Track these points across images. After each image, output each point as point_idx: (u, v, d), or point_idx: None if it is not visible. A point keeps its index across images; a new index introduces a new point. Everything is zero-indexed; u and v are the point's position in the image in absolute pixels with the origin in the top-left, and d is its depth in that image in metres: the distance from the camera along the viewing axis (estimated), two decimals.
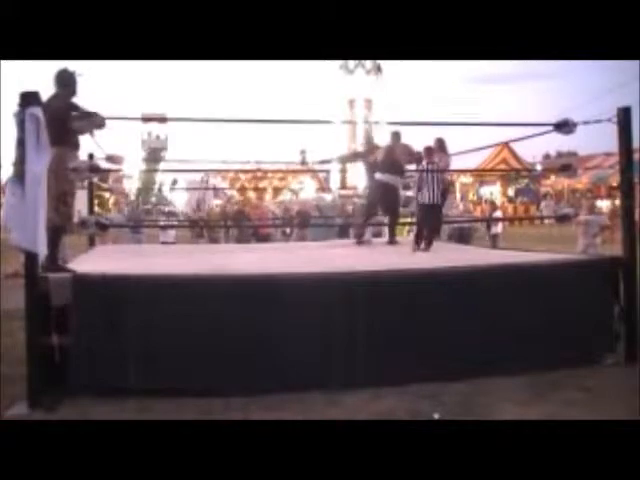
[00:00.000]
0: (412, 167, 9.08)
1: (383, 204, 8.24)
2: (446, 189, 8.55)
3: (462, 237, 11.53)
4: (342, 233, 12.39)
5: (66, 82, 4.89)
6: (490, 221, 14.16)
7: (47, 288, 4.23)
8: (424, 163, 7.48)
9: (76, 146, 4.91)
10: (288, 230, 14.86)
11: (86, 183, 8.11)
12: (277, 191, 34.59)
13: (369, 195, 8.59)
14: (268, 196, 33.04)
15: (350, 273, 4.93)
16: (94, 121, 4.79)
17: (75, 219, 5.37)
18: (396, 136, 8.15)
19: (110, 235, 10.00)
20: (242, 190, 32.60)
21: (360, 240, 8.33)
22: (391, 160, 7.90)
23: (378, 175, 8.07)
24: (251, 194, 32.36)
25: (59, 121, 4.49)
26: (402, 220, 9.04)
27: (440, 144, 8.05)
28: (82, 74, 4.91)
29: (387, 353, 4.49)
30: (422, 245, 7.25)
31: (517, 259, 6.00)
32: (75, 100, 4.92)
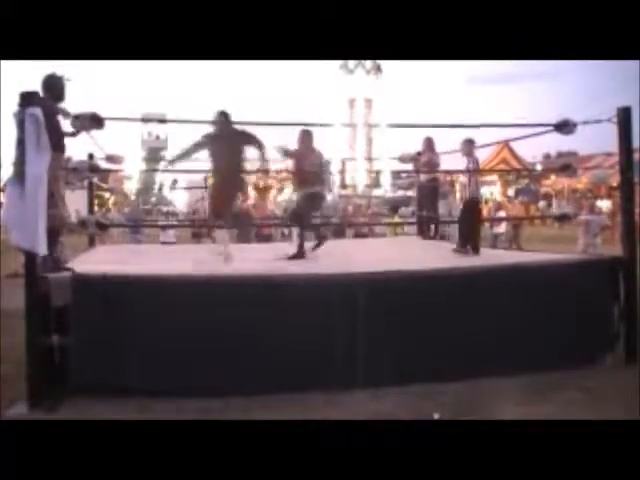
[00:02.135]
0: (409, 167, 9.08)
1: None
2: (435, 189, 8.44)
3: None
4: (340, 233, 12.42)
5: (53, 87, 4.82)
6: (494, 221, 14.19)
7: (47, 288, 4.23)
8: (465, 161, 6.59)
9: (62, 149, 4.85)
10: (286, 231, 14.85)
11: (86, 183, 8.11)
12: (278, 191, 34.53)
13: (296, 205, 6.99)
14: (265, 195, 32.98)
15: (350, 274, 4.93)
16: (93, 121, 4.77)
17: (73, 219, 5.35)
18: (306, 136, 6.59)
19: (109, 235, 10.00)
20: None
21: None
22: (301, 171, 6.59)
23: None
24: (252, 194, 32.29)
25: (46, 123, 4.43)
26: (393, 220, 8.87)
27: (429, 143, 8.04)
28: (70, 79, 4.85)
29: (387, 353, 4.49)
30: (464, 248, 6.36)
31: (517, 259, 6.00)
32: (62, 105, 4.87)
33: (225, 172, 6.03)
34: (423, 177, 8.29)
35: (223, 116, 6.09)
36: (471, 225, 6.57)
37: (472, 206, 6.60)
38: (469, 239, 6.41)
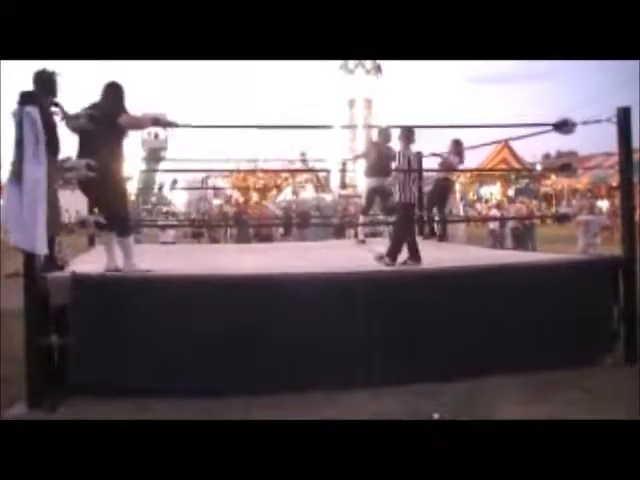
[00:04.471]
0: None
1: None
2: (447, 188, 8.56)
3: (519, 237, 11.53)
4: (340, 233, 12.43)
5: (45, 83, 4.79)
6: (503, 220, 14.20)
7: (46, 288, 4.23)
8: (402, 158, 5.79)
9: (57, 149, 4.82)
10: (282, 230, 14.87)
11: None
12: (277, 191, 34.54)
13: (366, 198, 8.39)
14: (265, 195, 33.01)
15: (350, 273, 4.93)
16: (90, 121, 4.75)
17: (73, 219, 5.33)
18: (384, 135, 7.86)
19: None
20: (243, 190, 32.56)
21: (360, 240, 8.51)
22: (379, 162, 7.59)
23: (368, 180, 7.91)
24: (252, 194, 32.31)
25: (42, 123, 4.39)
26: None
27: (456, 145, 8.10)
28: (60, 73, 4.80)
29: (387, 353, 4.49)
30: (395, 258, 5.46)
31: (517, 259, 6.00)
32: (59, 104, 4.84)
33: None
34: (437, 176, 8.37)
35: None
36: (408, 232, 5.69)
37: (409, 211, 5.78)
38: (404, 248, 5.55)
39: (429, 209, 8.65)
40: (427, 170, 8.11)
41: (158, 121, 5.14)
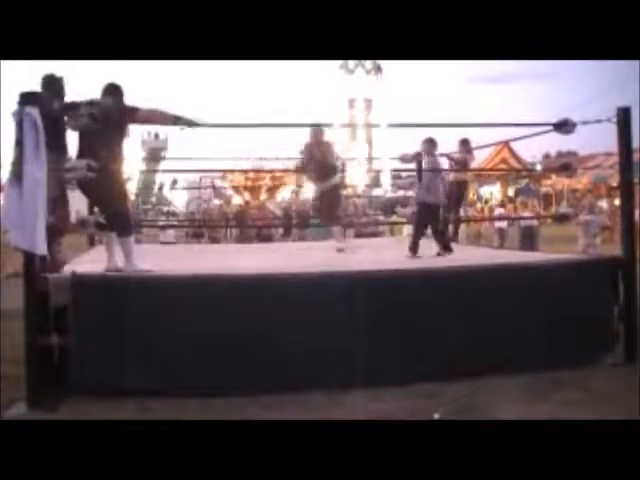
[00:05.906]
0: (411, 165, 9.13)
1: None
2: (464, 189, 8.68)
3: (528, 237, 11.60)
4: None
5: (54, 87, 4.79)
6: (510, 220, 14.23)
7: (46, 288, 4.23)
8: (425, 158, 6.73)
9: (64, 149, 4.82)
10: (281, 230, 14.89)
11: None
12: (277, 191, 34.53)
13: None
14: (265, 196, 32.97)
15: (350, 273, 4.93)
16: (91, 120, 4.74)
17: (73, 219, 5.34)
18: (317, 132, 7.34)
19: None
20: (243, 190, 32.53)
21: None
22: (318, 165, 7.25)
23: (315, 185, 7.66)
24: (252, 194, 32.28)
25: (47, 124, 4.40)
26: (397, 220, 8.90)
27: (465, 144, 8.11)
28: (64, 76, 4.80)
29: (387, 353, 4.49)
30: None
31: (517, 259, 6.01)
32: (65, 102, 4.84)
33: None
34: (453, 176, 8.38)
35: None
36: (434, 228, 6.65)
37: (434, 210, 6.58)
38: (437, 242, 6.60)
39: (450, 210, 8.62)
40: (448, 170, 8.07)
41: (179, 119, 5.10)
